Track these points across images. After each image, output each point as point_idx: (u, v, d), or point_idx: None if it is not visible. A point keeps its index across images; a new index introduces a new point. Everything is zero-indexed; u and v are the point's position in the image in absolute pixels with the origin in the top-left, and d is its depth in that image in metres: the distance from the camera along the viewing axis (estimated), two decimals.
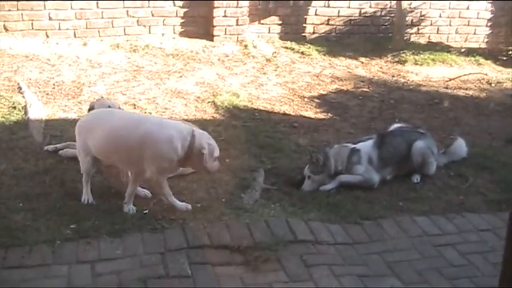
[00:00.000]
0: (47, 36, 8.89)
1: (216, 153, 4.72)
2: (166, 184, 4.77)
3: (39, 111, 6.51)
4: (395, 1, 10.07)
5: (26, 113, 6.49)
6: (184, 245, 4.25)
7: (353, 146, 5.60)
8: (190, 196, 5.07)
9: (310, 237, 4.47)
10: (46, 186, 5.05)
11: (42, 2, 8.75)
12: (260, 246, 4.27)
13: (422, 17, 10.67)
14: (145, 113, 6.71)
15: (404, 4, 9.85)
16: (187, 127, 4.77)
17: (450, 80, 8.99)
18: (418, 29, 10.73)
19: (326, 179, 5.45)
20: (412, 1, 10.25)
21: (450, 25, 10.81)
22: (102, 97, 6.98)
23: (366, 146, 5.60)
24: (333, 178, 5.45)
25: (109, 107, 5.41)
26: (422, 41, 10.71)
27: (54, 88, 7.33)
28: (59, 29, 8.93)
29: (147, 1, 9.25)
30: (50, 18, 8.85)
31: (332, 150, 5.56)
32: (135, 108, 6.93)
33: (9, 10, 8.64)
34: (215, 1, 9.38)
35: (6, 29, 8.70)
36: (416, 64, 9.51)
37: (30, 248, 4.12)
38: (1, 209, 4.64)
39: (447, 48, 10.31)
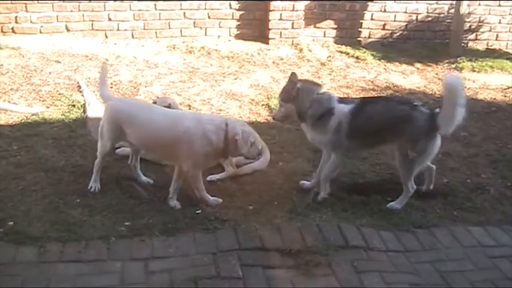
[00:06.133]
0: (106, 37, 9.12)
1: (252, 138, 4.94)
2: (201, 178, 4.94)
3: (97, 110, 6.65)
4: (453, 7, 9.90)
5: (84, 111, 6.67)
6: (236, 247, 4.27)
7: (333, 105, 5.02)
8: (242, 198, 5.11)
9: (361, 243, 4.44)
10: (102, 183, 5.14)
11: (102, 3, 9.00)
12: (311, 251, 4.26)
13: (481, 23, 10.48)
14: None
15: (463, 10, 9.68)
16: (221, 118, 5.04)
17: (508, 88, 8.79)
18: (476, 35, 10.54)
19: (292, 113, 5.12)
20: (470, 6, 10.07)
21: (510, 31, 10.58)
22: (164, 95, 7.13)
23: (343, 110, 5.00)
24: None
25: (169, 104, 5.65)
26: (481, 47, 10.51)
27: (111, 87, 7.48)
28: (118, 29, 9.15)
29: (203, 3, 9.36)
30: (110, 19, 9.08)
31: (319, 94, 5.12)
32: (190, 109, 7.02)
33: (71, 11, 8.92)
34: (271, 4, 9.42)
35: (67, 29, 8.98)
36: (474, 71, 9.32)
37: (86, 243, 4.22)
38: (59, 204, 4.78)
39: (506, 55, 10.09)
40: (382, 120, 4.96)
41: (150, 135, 4.88)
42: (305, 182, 5.39)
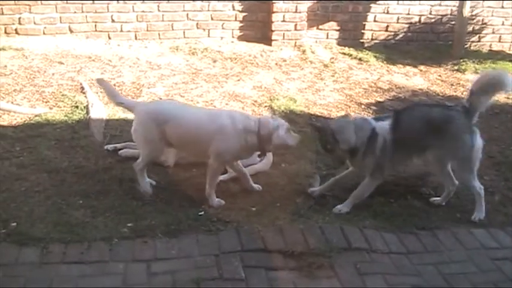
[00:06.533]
0: (109, 38, 9.13)
1: (285, 126, 4.98)
2: (219, 176, 5.07)
3: (100, 111, 6.67)
4: (456, 8, 9.89)
5: (87, 112, 6.66)
6: (239, 248, 4.28)
7: (373, 125, 5.01)
8: (245, 200, 5.10)
9: (364, 245, 4.44)
10: (105, 184, 5.17)
11: (105, 5, 9.02)
12: (314, 252, 4.27)
13: (484, 25, 10.46)
14: None
15: (466, 11, 9.66)
16: (253, 117, 5.14)
17: None
18: (479, 37, 10.52)
19: (345, 154, 4.99)
20: (473, 8, 10.06)
21: None
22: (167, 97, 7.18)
23: (384, 127, 4.98)
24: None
25: None
26: (483, 49, 10.49)
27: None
28: (121, 30, 9.17)
29: (206, 4, 9.38)
30: (113, 21, 9.09)
31: (354, 122, 5.05)
32: None
33: (75, 12, 8.95)
34: (274, 6, 9.43)
35: (71, 31, 9.00)
36: (477, 73, 9.26)
37: (88, 245, 4.23)
38: (62, 205, 4.79)
39: (509, 57, 10.07)
40: (423, 125, 4.98)
41: (192, 132, 4.93)
42: (314, 189, 5.31)
